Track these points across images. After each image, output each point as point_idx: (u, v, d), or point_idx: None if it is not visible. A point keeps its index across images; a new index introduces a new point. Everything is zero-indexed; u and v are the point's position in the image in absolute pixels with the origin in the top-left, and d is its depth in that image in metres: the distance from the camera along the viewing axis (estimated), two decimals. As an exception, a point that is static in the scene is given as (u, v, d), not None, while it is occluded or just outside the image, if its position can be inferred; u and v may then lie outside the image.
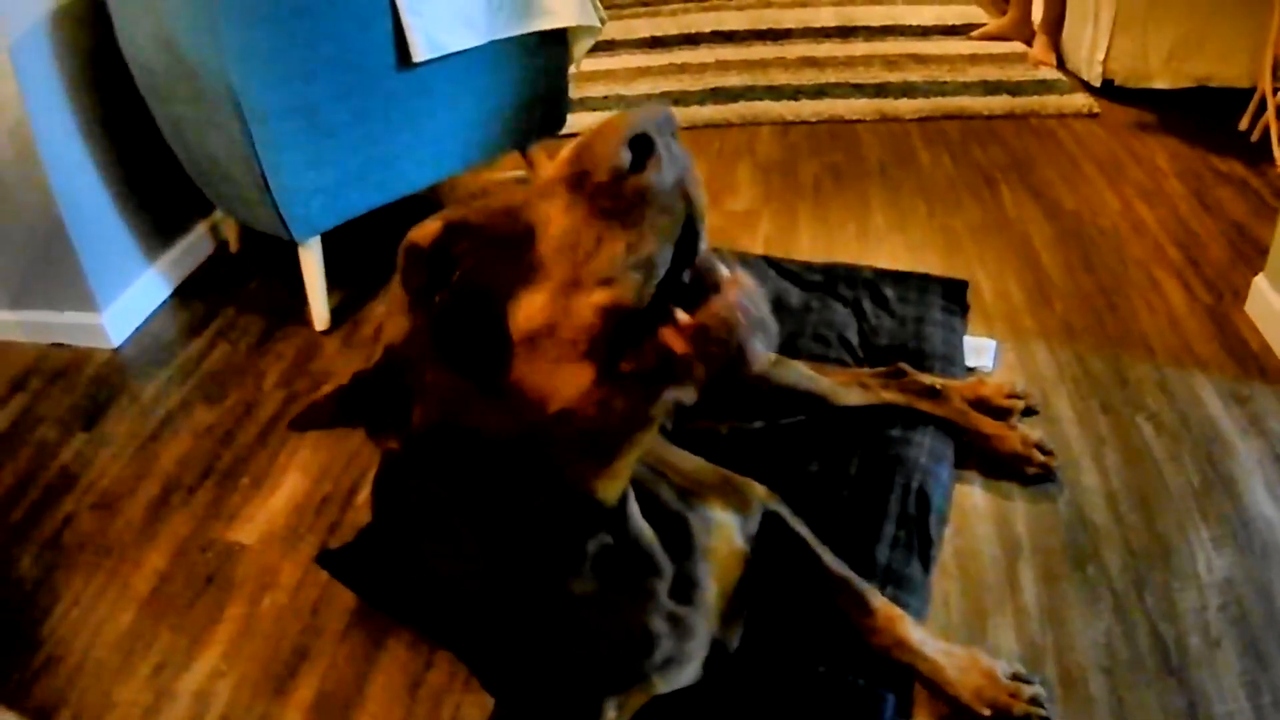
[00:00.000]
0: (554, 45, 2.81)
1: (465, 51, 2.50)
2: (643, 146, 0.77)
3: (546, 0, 2.64)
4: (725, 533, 1.46)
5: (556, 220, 0.80)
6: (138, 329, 2.70)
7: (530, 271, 0.81)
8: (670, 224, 0.79)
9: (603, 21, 2.85)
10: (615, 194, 0.76)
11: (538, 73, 2.80)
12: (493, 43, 2.56)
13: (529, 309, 0.81)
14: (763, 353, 0.83)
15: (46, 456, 2.27)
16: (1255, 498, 1.93)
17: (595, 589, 1.13)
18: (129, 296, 2.69)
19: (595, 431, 0.90)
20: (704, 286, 0.84)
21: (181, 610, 1.83)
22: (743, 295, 0.83)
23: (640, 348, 0.82)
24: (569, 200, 0.79)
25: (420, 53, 2.38)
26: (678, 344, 0.81)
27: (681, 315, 0.82)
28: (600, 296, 0.79)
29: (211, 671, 1.71)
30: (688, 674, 1.36)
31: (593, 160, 0.77)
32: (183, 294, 2.85)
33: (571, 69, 2.97)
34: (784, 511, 1.65)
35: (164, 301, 2.80)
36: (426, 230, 0.88)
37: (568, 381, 0.83)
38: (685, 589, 1.29)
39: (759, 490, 1.62)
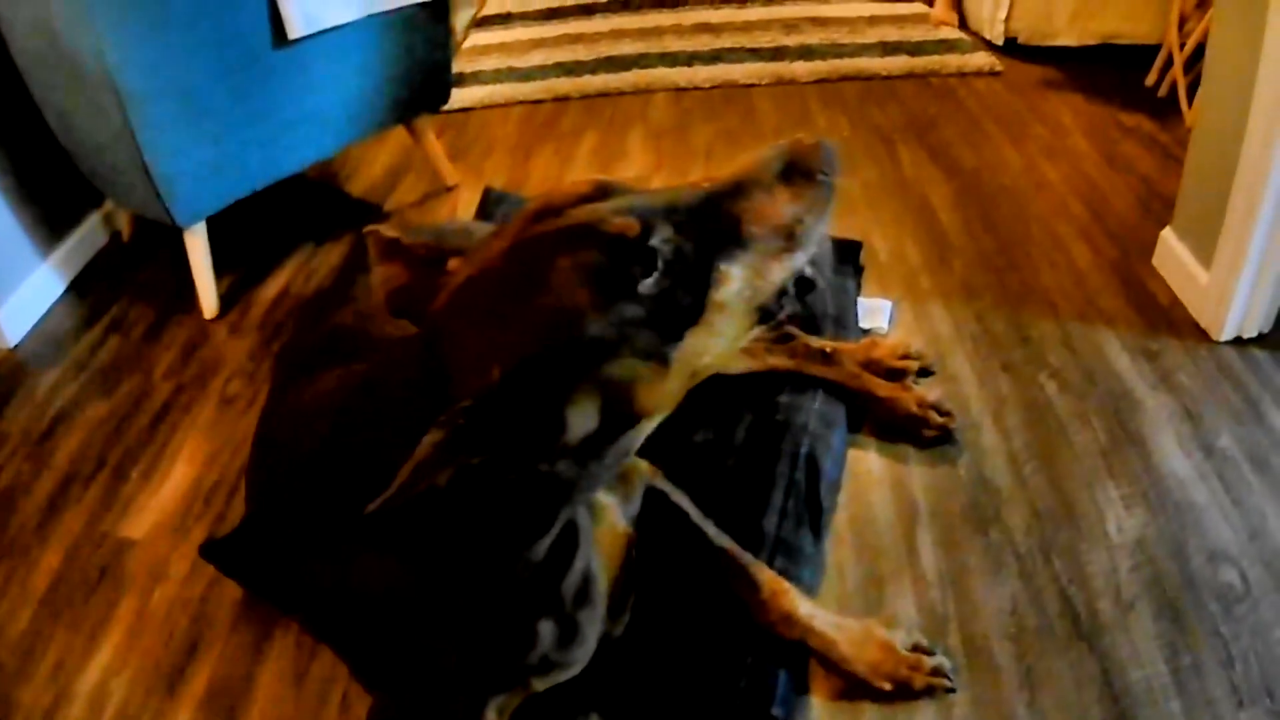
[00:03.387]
0: (434, 18, 2.82)
1: (343, 26, 2.54)
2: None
3: (424, -29, 2.66)
4: (607, 515, 1.44)
5: (765, 202, 1.04)
6: (34, 326, 2.68)
7: (736, 246, 1.02)
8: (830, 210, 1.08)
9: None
10: (814, 182, 1.05)
11: (419, 46, 2.82)
12: (371, 17, 2.60)
13: (731, 276, 1.02)
14: None
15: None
16: (1166, 454, 1.92)
17: (520, 592, 1.20)
18: (23, 293, 2.68)
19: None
20: None
21: (77, 607, 1.83)
22: None
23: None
24: (778, 186, 1.04)
25: (296, 29, 2.40)
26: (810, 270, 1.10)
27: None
28: (789, 262, 1.05)
29: (106, 669, 1.71)
30: (569, 673, 1.34)
31: (804, 160, 1.05)
32: (78, 287, 2.85)
33: (463, 42, 2.95)
34: (666, 487, 1.63)
35: (60, 296, 2.81)
36: (628, 224, 0.99)
37: (737, 332, 1.06)
38: (582, 586, 1.28)
39: (642, 466, 1.60)
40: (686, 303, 1.01)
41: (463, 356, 0.99)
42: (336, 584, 1.30)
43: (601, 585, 1.33)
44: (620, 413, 1.03)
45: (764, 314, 1.08)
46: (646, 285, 0.98)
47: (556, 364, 0.96)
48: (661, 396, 1.04)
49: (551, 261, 0.98)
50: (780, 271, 1.05)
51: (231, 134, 2.44)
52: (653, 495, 1.60)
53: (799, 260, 1.07)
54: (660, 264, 0.99)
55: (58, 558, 1.93)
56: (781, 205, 1.04)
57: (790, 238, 1.05)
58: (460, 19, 2.79)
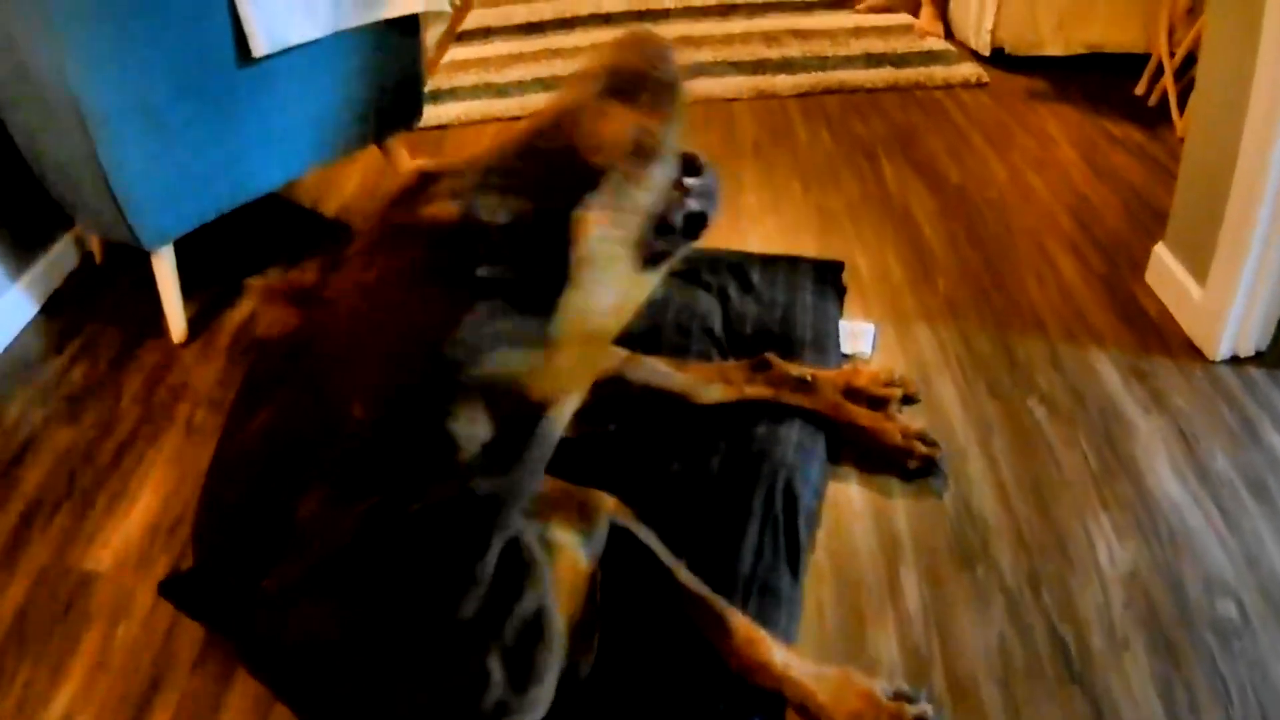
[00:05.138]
0: (404, 33, 2.79)
1: (310, 44, 2.50)
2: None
3: (392, -15, 2.63)
4: (566, 555, 1.39)
5: (599, 124, 0.94)
6: (3, 349, 2.66)
7: (583, 185, 0.92)
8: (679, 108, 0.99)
9: (452, 5, 2.79)
10: (649, 85, 0.97)
11: (388, 63, 2.79)
12: (338, 33, 2.55)
13: (589, 221, 0.92)
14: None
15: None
16: (1159, 479, 1.88)
17: (465, 628, 1.13)
18: (-7, 318, 2.72)
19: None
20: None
21: (42, 642, 1.81)
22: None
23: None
24: (608, 104, 0.95)
25: (260, 47, 2.36)
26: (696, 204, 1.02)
27: (690, 181, 1.02)
28: (651, 180, 0.96)
29: (70, 706, 1.69)
30: (533, 715, 1.28)
31: (630, 66, 0.97)
32: (48, 310, 2.82)
33: (440, 58, 2.89)
34: (632, 525, 1.58)
35: (30, 319, 2.78)
36: (440, 210, 0.91)
37: (624, 281, 0.98)
38: (535, 622, 1.22)
39: (607, 502, 1.55)
40: (546, 268, 0.92)
41: (334, 399, 0.92)
42: (276, 633, 1.24)
43: (559, 623, 1.28)
44: (514, 411, 0.95)
45: (653, 255, 1.01)
46: (487, 269, 0.90)
47: (415, 389, 0.89)
48: (557, 378, 0.97)
49: (373, 277, 0.91)
50: (645, 194, 0.97)
51: (197, 155, 2.40)
52: (620, 533, 1.55)
53: (660, 174, 0.98)
54: (495, 237, 0.90)
55: (23, 590, 1.90)
56: (618, 122, 0.96)
57: (641, 153, 0.96)
58: (432, 35, 2.75)
